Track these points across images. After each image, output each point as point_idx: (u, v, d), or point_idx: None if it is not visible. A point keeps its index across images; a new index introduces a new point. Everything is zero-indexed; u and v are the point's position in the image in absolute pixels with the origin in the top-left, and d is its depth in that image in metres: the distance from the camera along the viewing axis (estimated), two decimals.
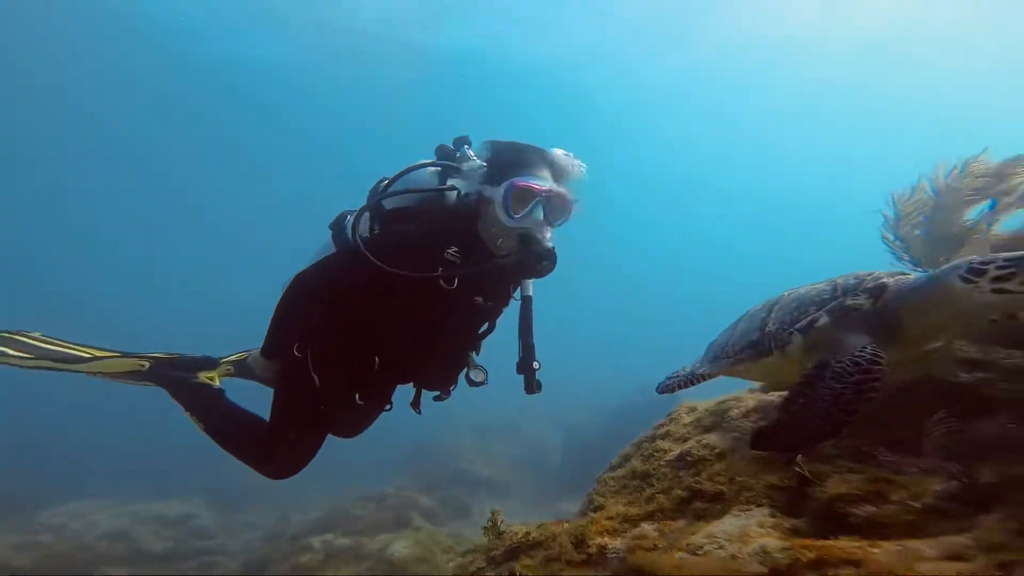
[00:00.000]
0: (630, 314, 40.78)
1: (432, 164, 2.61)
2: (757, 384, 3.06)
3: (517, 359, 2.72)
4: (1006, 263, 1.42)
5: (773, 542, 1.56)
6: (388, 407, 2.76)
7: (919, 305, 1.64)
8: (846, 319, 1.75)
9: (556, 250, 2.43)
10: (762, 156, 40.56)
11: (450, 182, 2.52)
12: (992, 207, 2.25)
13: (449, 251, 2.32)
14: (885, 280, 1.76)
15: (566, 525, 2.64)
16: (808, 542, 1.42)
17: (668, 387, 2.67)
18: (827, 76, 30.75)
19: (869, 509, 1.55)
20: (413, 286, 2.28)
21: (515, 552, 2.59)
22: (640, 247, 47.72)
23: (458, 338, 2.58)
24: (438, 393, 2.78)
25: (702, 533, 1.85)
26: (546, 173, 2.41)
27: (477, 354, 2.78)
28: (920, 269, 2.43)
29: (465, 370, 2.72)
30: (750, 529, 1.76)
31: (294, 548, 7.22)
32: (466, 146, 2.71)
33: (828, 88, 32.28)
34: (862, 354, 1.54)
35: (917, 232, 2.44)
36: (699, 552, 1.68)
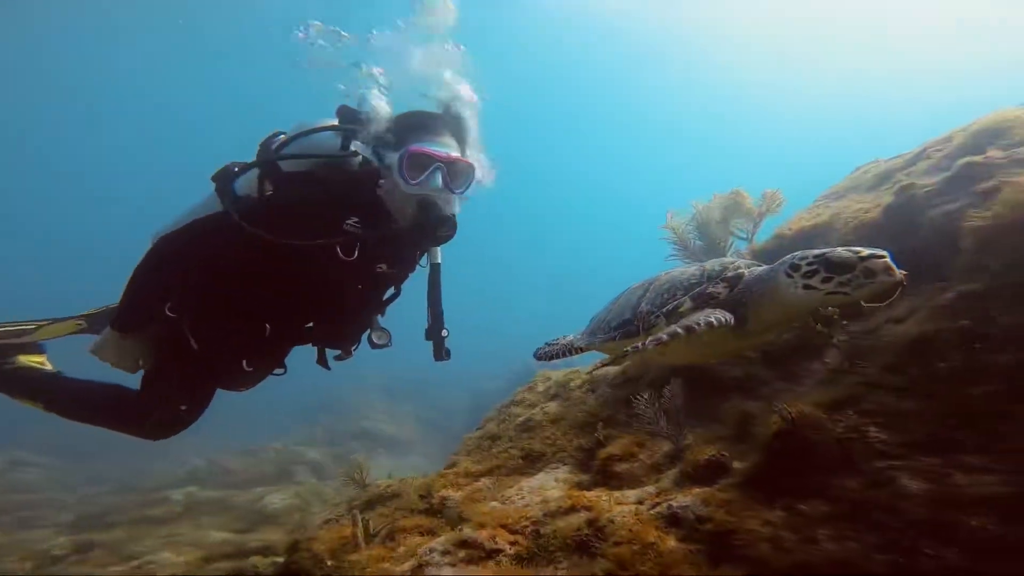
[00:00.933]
0: (540, 281, 42.47)
1: (335, 127, 2.42)
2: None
3: (426, 326, 2.72)
4: (813, 260, 1.56)
5: (556, 493, 2.07)
6: (281, 371, 2.61)
7: (761, 299, 1.79)
8: (706, 305, 1.88)
9: (456, 217, 2.35)
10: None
11: (353, 146, 2.34)
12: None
13: (349, 221, 2.21)
14: (742, 271, 1.91)
15: (420, 480, 3.06)
16: (572, 492, 1.92)
17: (546, 355, 2.72)
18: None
19: (623, 466, 2.10)
20: (307, 255, 2.15)
21: (373, 502, 2.98)
22: (548, 217, 49.48)
23: (359, 305, 2.49)
24: (339, 352, 2.69)
25: (517, 487, 2.35)
26: (448, 139, 2.31)
27: (382, 316, 2.71)
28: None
29: (368, 332, 2.64)
30: (548, 483, 2.29)
31: (146, 501, 6.35)
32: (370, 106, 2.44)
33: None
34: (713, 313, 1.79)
35: (696, 240, 3.11)
36: (506, 502, 2.14)
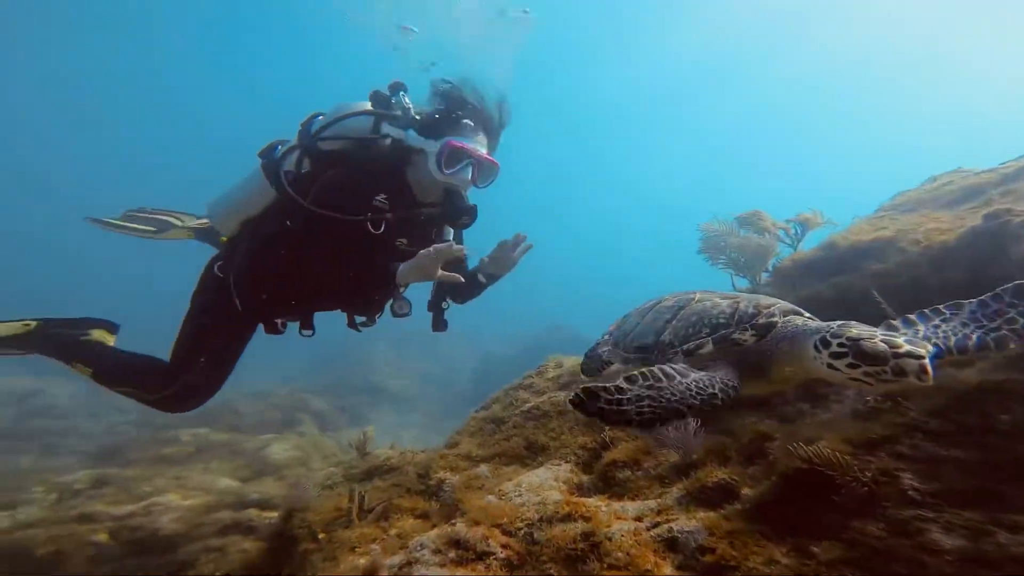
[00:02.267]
0: (556, 257, 42.63)
1: (368, 112, 2.66)
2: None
3: (429, 298, 2.99)
4: (846, 342, 1.44)
5: (555, 496, 2.03)
6: (309, 332, 2.77)
7: (785, 355, 1.70)
8: (727, 351, 1.81)
9: (477, 208, 2.66)
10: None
11: (384, 130, 2.61)
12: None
13: (378, 198, 2.45)
14: (775, 320, 1.77)
15: (420, 456, 3.08)
16: (571, 499, 1.87)
17: (588, 371, 2.59)
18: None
19: (627, 473, 2.04)
20: (340, 228, 2.42)
21: (371, 473, 3.01)
22: (567, 198, 49.44)
23: (382, 275, 2.62)
24: (364, 319, 2.90)
25: (515, 480, 2.31)
26: (482, 138, 2.63)
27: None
28: (741, 275, 3.01)
29: (391, 301, 2.81)
30: (548, 481, 2.24)
31: (160, 439, 6.64)
32: (402, 92, 2.74)
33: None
34: (728, 382, 1.64)
35: (732, 252, 2.98)
36: (503, 497, 2.11)
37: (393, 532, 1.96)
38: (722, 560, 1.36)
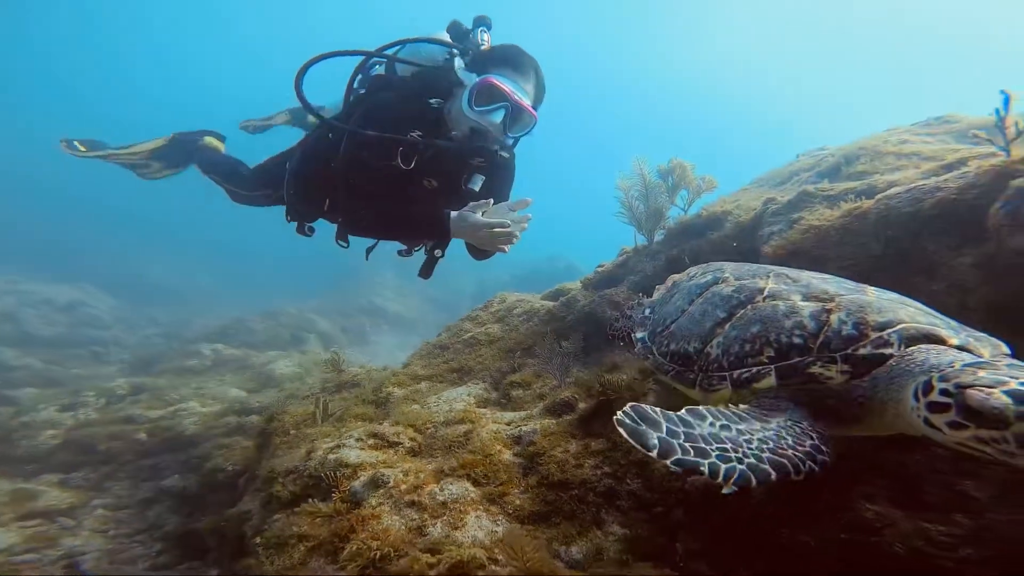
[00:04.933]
0: (559, 191, 42.01)
1: (442, 42, 2.59)
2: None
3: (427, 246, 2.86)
4: (953, 389, 0.99)
5: (461, 405, 2.70)
6: (345, 244, 2.82)
7: (881, 405, 1.18)
8: (798, 391, 1.25)
9: (512, 159, 2.58)
10: None
11: (455, 63, 2.49)
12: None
13: (413, 133, 2.36)
14: (890, 353, 1.18)
15: (381, 373, 3.80)
16: (469, 409, 2.55)
17: (614, 335, 2.36)
18: None
19: (520, 392, 2.69)
20: (373, 155, 2.36)
21: (341, 387, 3.77)
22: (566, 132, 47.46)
23: (436, 224, 2.49)
24: (405, 248, 3.02)
25: (440, 395, 3.00)
26: (529, 87, 2.41)
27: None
28: (640, 232, 3.42)
29: (428, 243, 2.81)
30: (463, 396, 2.92)
31: (185, 352, 7.67)
32: (482, 29, 2.63)
33: None
34: (819, 449, 1.12)
35: (639, 204, 3.34)
36: (425, 407, 2.79)
37: (343, 430, 2.67)
38: (539, 449, 2.02)
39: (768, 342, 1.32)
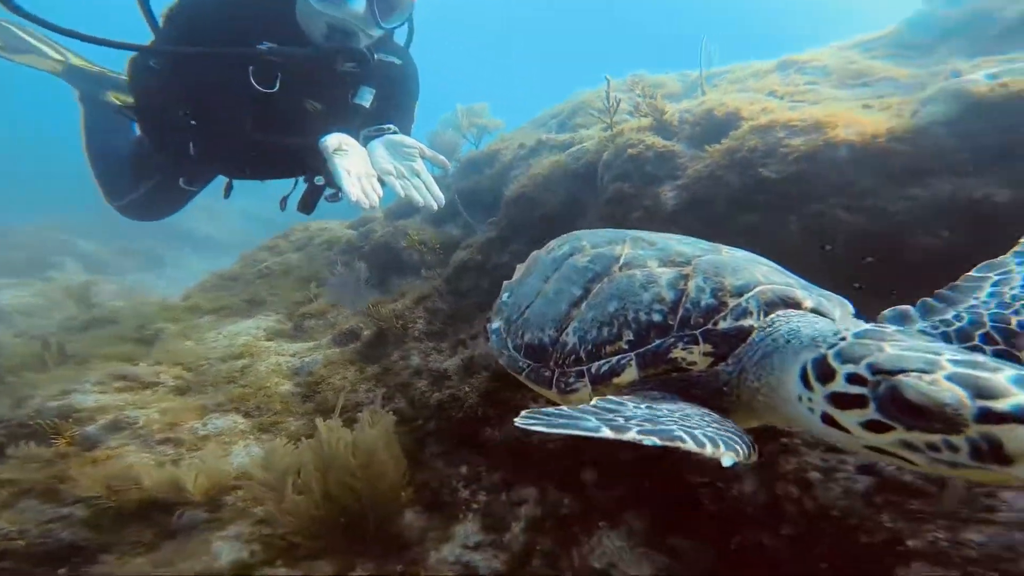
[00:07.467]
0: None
1: None
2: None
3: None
4: (864, 371, 0.72)
5: (245, 339, 2.56)
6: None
7: (753, 392, 0.97)
8: (664, 383, 1.01)
9: (407, 66, 2.18)
10: None
11: None
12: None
13: (263, 46, 1.91)
14: (750, 326, 0.96)
15: (150, 308, 3.31)
16: (252, 342, 2.44)
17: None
18: None
19: (313, 322, 2.64)
20: (221, 87, 1.93)
21: (91, 324, 3.12)
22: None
23: (289, 142, 2.06)
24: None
25: (223, 329, 2.78)
26: None
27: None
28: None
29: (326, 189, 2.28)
30: (249, 329, 2.76)
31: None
32: None
33: None
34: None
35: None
36: (200, 343, 2.57)
37: (89, 375, 2.30)
38: (318, 378, 2.08)
39: (626, 322, 1.07)
